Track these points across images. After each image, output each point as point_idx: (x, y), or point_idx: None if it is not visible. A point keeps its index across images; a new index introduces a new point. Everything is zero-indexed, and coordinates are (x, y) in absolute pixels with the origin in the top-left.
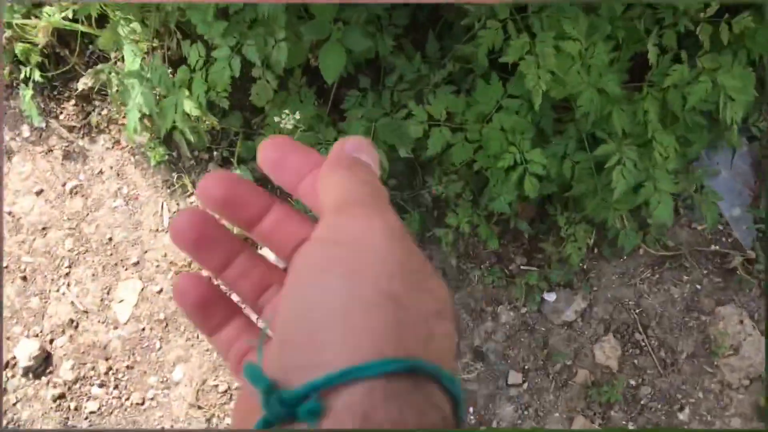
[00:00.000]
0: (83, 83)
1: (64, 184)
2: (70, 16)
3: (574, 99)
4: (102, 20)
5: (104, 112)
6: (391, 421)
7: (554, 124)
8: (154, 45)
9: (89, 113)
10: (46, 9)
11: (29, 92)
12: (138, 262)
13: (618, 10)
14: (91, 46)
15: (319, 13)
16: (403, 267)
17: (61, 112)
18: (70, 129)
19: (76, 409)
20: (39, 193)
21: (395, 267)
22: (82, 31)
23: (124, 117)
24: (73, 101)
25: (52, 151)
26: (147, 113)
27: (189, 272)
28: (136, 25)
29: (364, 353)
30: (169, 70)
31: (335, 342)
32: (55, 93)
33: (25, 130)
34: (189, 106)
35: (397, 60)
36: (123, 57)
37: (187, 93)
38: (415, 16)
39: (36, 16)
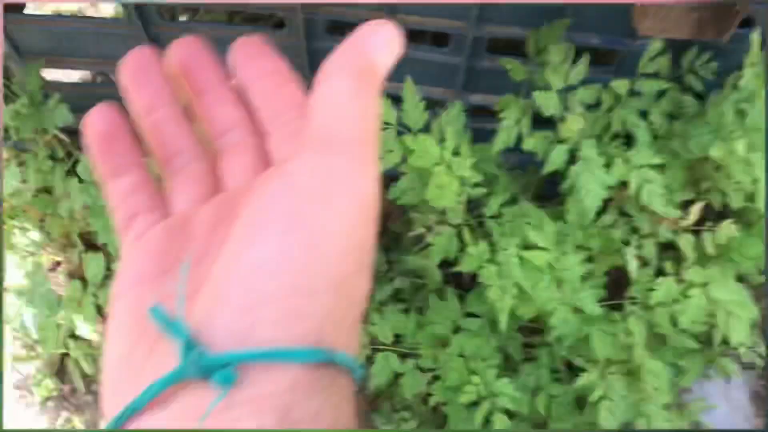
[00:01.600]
0: None
1: None
2: None
3: (545, 319)
4: None
5: None
6: (310, 417)
7: (523, 349)
8: (58, 260)
9: None
10: None
11: None
12: None
13: (587, 217)
14: None
15: None
16: (362, 246)
17: None
18: None
19: None
20: None
21: (355, 245)
22: None
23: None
24: None
25: None
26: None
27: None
28: (34, 234)
29: (295, 338)
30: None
31: (271, 319)
32: None
33: None
34: (84, 328)
35: None
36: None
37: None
38: None
39: None
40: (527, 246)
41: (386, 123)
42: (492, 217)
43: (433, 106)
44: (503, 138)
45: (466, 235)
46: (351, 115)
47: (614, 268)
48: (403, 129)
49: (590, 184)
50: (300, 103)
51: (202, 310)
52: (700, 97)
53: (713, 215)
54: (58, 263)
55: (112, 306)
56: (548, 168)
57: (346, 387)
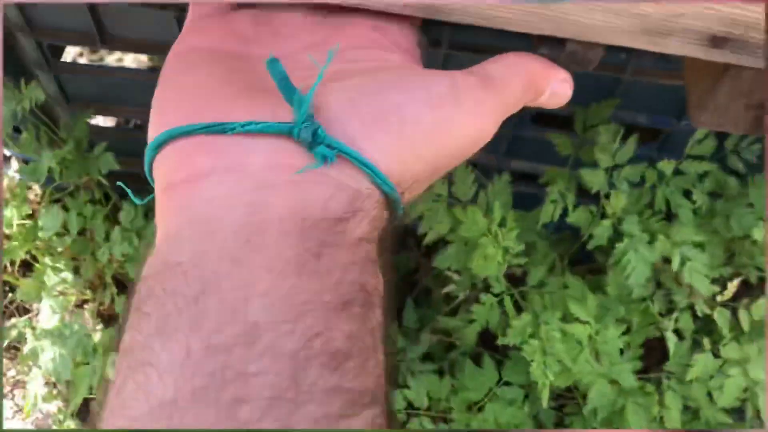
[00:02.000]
0: None
1: None
2: None
3: (578, 386)
4: (28, 265)
5: (11, 372)
6: (378, 240)
7: (555, 416)
8: (86, 297)
9: None
10: None
11: None
12: None
13: (630, 292)
14: (11, 294)
15: None
16: (464, 156)
17: None
18: None
19: None
20: None
21: (465, 153)
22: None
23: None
24: None
25: None
26: (60, 380)
27: None
28: (66, 275)
29: (389, 171)
30: (99, 327)
31: (382, 147)
32: None
33: None
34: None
35: None
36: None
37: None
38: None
39: None
40: (569, 319)
41: (438, 194)
42: (533, 287)
43: (474, 167)
44: (549, 212)
45: (508, 305)
46: (507, 87)
47: (649, 339)
48: (452, 200)
49: (636, 263)
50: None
51: (334, 101)
52: (742, 176)
53: (749, 291)
54: (85, 301)
55: (178, 56)
56: (593, 244)
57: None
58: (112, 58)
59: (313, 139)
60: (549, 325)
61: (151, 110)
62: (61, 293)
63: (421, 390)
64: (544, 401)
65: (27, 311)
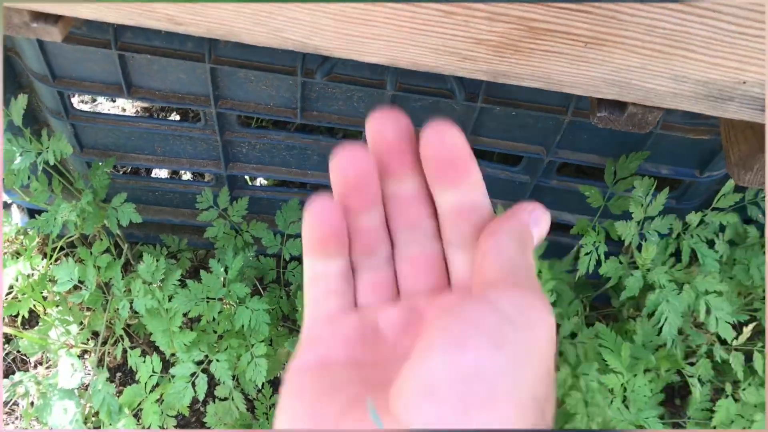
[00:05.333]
0: None
1: None
2: None
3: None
4: (30, 317)
5: (9, 427)
6: None
7: None
8: (87, 348)
9: None
10: None
11: None
12: None
13: (652, 335)
14: (7, 346)
15: None
16: (550, 376)
17: None
18: None
19: None
20: None
21: (547, 373)
22: None
23: None
24: None
25: None
26: None
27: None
28: (72, 328)
29: None
30: (101, 377)
31: (485, 422)
32: None
33: None
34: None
35: None
36: (43, 361)
37: (134, 420)
38: None
39: None
40: (602, 368)
41: None
42: (565, 337)
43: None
44: (585, 263)
45: None
46: (524, 265)
47: (670, 384)
48: None
49: (669, 314)
50: (478, 218)
51: (408, 402)
52: (758, 223)
53: (762, 334)
54: (85, 351)
55: (294, 374)
56: (625, 295)
57: None
58: (105, 106)
59: None
60: (587, 376)
61: (276, 422)
62: (67, 345)
63: None
64: None
65: (24, 362)
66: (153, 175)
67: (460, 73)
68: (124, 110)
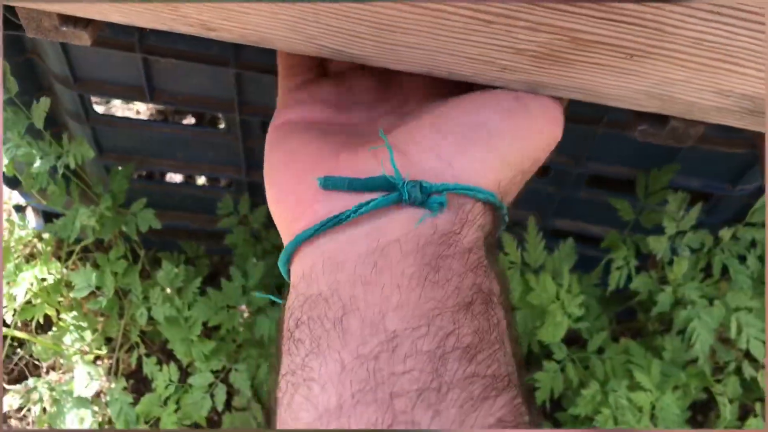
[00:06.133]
0: (7, 404)
1: None
2: (8, 320)
3: None
4: (44, 322)
5: None
6: (486, 244)
7: None
8: (100, 354)
9: None
10: None
11: None
12: None
13: (681, 351)
14: (20, 350)
15: None
16: (538, 163)
17: None
18: None
19: None
20: None
21: (539, 160)
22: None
23: None
24: None
25: None
26: None
27: None
28: (86, 334)
29: (487, 181)
30: (113, 385)
31: (477, 160)
32: None
33: None
34: None
35: None
36: (56, 367)
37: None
38: None
39: None
40: (632, 386)
41: (511, 262)
42: (594, 352)
43: (516, 226)
44: (616, 278)
45: (572, 373)
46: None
47: (695, 401)
48: (524, 266)
49: (701, 330)
50: None
51: (419, 134)
52: None
53: None
54: (98, 357)
55: (278, 130)
56: (657, 311)
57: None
58: (119, 109)
59: (422, 192)
60: (617, 393)
61: (265, 172)
62: (82, 351)
63: None
64: None
65: (36, 367)
66: (167, 179)
67: (497, 83)
68: (138, 112)
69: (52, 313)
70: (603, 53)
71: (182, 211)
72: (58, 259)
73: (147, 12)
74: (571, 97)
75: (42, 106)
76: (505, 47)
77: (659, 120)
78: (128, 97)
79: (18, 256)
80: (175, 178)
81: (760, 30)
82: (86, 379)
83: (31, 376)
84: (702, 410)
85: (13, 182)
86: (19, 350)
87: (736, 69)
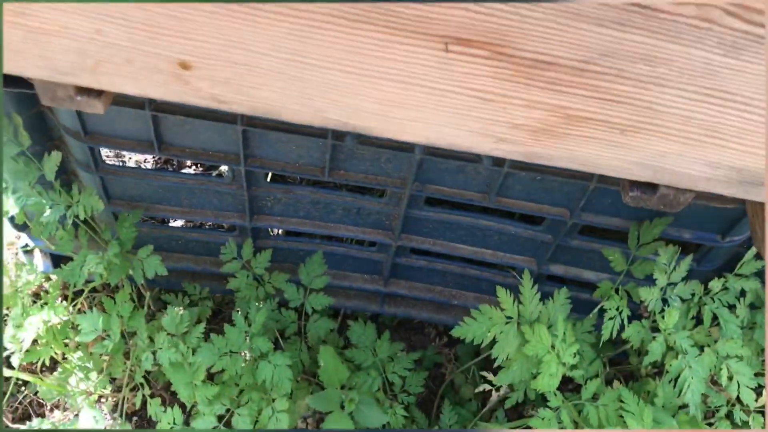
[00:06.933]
0: None
1: None
2: (13, 362)
3: None
4: (50, 362)
5: None
6: None
7: None
8: (103, 393)
9: None
10: None
11: None
12: None
13: (672, 397)
14: (24, 389)
15: (328, 379)
16: None
17: None
18: None
19: None
20: None
21: None
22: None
23: None
24: None
25: None
26: None
27: None
28: (92, 374)
29: None
30: (119, 422)
31: None
32: None
33: None
34: None
35: None
36: (60, 406)
37: None
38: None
39: None
40: None
41: (508, 317)
42: (588, 400)
43: (512, 270)
44: (609, 329)
45: (566, 420)
46: None
47: None
48: (519, 318)
49: (692, 380)
50: None
51: None
52: None
53: None
54: (101, 396)
55: None
56: (648, 360)
57: None
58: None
59: None
60: None
61: None
62: (86, 392)
63: None
64: None
65: (41, 405)
66: (173, 223)
67: (495, 154)
68: (145, 160)
69: (57, 353)
70: (595, 128)
71: (187, 253)
72: (65, 298)
73: (159, 86)
74: (566, 167)
75: (54, 160)
76: (503, 122)
77: (650, 187)
78: (137, 150)
79: (24, 297)
80: (178, 222)
81: (745, 110)
82: (92, 422)
83: (36, 415)
84: None
85: (22, 226)
86: (23, 389)
87: (723, 144)
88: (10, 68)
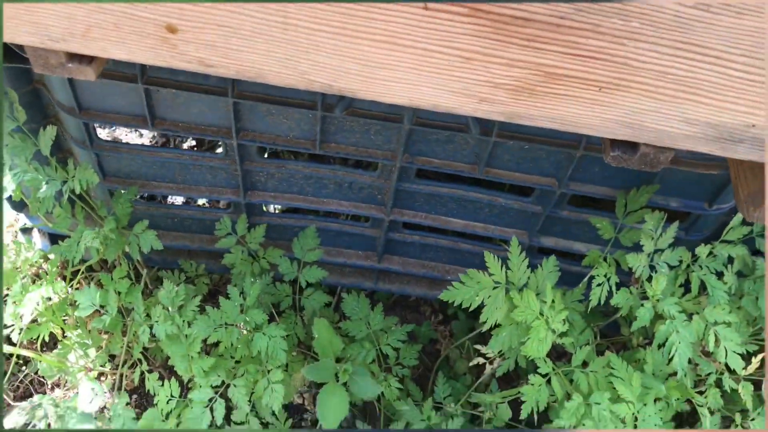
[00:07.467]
0: (14, 422)
1: None
2: (14, 338)
3: None
4: (49, 340)
5: None
6: None
7: None
8: (104, 370)
9: None
10: None
11: None
12: None
13: (662, 364)
14: (25, 368)
15: (323, 351)
16: None
17: None
18: None
19: None
20: None
21: None
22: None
23: None
24: None
25: None
26: None
27: None
28: (91, 351)
29: None
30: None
31: None
32: None
33: None
34: None
35: (404, 405)
36: (60, 384)
37: None
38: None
39: None
40: (614, 398)
41: (496, 282)
42: (578, 366)
43: (503, 243)
44: (597, 294)
45: (557, 387)
46: None
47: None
48: (509, 285)
49: (680, 345)
50: None
51: None
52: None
53: None
54: (101, 374)
55: None
56: (636, 326)
57: None
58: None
59: None
60: (599, 406)
61: None
62: (86, 368)
63: None
64: None
65: (42, 384)
66: (168, 201)
67: (477, 114)
68: (141, 135)
69: (57, 331)
70: (574, 86)
71: (183, 231)
72: (63, 278)
73: (147, 50)
74: (546, 126)
75: (49, 134)
76: (483, 81)
77: (630, 147)
78: (131, 125)
79: (24, 276)
80: (176, 200)
81: (718, 65)
82: (90, 394)
83: (37, 393)
84: (690, 421)
85: (19, 205)
86: (24, 368)
87: (699, 100)
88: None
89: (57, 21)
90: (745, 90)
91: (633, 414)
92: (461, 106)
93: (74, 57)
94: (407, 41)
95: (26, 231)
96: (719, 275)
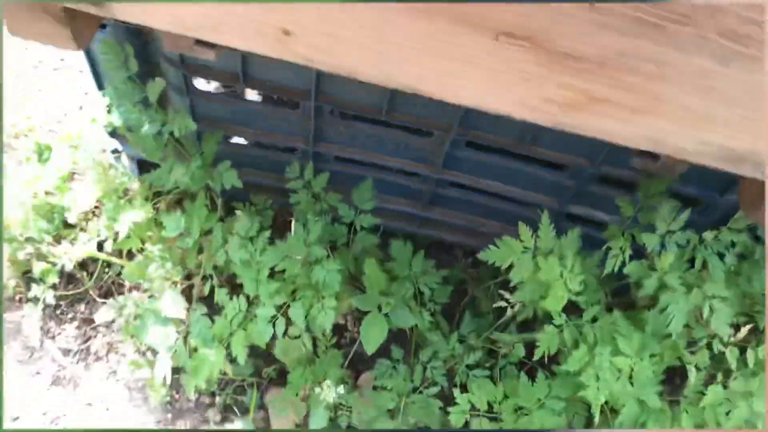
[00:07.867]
0: (103, 317)
1: (45, 413)
2: (102, 243)
3: (608, 401)
4: (131, 254)
5: (105, 339)
6: None
7: (585, 423)
8: (175, 280)
9: (90, 338)
10: (81, 235)
11: (37, 312)
12: None
13: (662, 326)
14: (108, 270)
15: (371, 285)
16: None
17: (60, 333)
18: (66, 352)
19: None
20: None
21: None
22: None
23: (131, 349)
24: (75, 323)
25: (39, 373)
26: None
27: None
28: (168, 264)
29: None
30: (186, 306)
31: None
32: (58, 312)
33: (16, 347)
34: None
35: (433, 336)
36: (139, 287)
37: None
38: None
39: (64, 238)
40: (615, 351)
41: (525, 247)
42: (588, 321)
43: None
44: (611, 264)
45: (568, 337)
46: None
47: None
48: (536, 249)
49: (676, 313)
50: None
51: None
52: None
53: (758, 334)
54: (173, 283)
55: None
56: (642, 293)
57: None
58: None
59: None
60: (602, 357)
61: None
62: (165, 278)
63: (482, 396)
64: (596, 416)
65: (121, 286)
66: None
67: (530, 120)
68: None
69: (138, 245)
70: (611, 108)
71: (255, 169)
72: (145, 199)
73: (263, 45)
74: (586, 134)
75: (158, 85)
76: (537, 97)
77: (654, 155)
78: (225, 81)
79: (119, 194)
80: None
81: (731, 105)
82: (171, 302)
83: (117, 293)
84: (682, 377)
85: (113, 134)
86: (108, 270)
87: (714, 129)
88: (140, 21)
89: (193, 17)
90: (750, 125)
91: (630, 366)
92: (517, 112)
93: (201, 42)
94: (478, 61)
95: (116, 154)
96: (721, 256)
